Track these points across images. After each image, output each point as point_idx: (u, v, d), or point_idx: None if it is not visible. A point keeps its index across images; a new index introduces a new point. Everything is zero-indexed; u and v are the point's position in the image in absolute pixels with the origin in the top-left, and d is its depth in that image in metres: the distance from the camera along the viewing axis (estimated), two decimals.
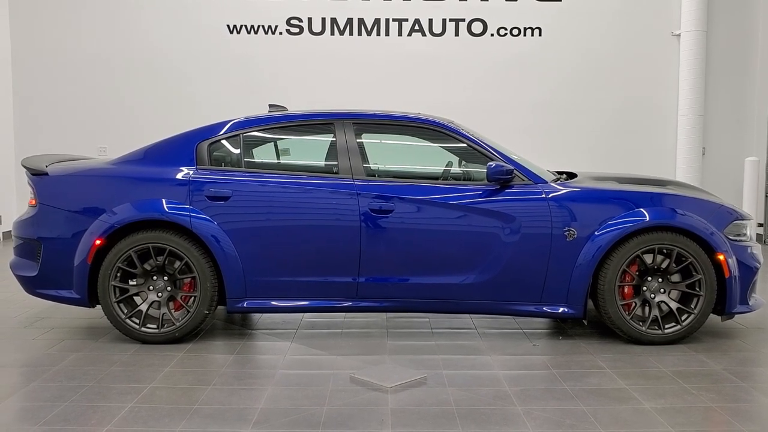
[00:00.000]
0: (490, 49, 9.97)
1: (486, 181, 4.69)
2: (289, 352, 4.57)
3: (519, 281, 4.66)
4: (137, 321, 4.67)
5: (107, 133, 9.85)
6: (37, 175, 4.82)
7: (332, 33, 9.99)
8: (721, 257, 4.60)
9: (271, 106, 5.50)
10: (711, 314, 4.71)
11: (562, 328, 5.19)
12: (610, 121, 10.01)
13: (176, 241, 4.62)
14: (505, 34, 9.97)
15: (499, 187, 4.68)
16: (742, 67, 10.06)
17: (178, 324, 4.66)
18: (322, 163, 5.03)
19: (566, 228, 4.61)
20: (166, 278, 4.73)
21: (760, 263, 4.80)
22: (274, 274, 4.68)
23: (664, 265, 4.66)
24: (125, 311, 4.68)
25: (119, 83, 9.98)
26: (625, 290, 4.67)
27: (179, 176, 4.72)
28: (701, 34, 9.68)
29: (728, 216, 4.77)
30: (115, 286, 4.64)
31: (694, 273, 4.62)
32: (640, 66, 10.01)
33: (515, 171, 4.70)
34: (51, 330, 5.07)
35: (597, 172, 5.96)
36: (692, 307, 4.65)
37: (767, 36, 9.93)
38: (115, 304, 4.65)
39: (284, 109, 5.45)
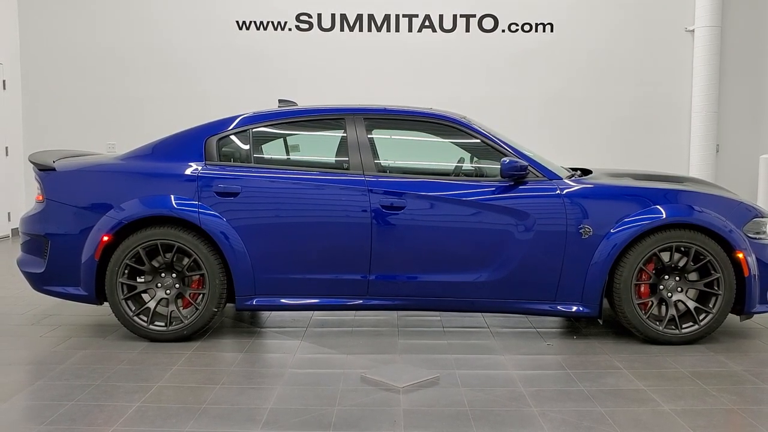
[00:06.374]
0: (501, 45, 9.89)
1: (499, 178, 4.61)
2: (299, 350, 4.51)
3: (533, 279, 4.57)
4: (145, 318, 4.62)
5: (116, 130, 9.83)
6: (44, 170, 4.77)
7: (342, 29, 9.93)
8: (741, 255, 4.50)
9: (280, 101, 5.43)
10: (729, 314, 4.61)
11: (576, 327, 5.09)
12: (623, 118, 9.91)
13: (185, 238, 4.56)
14: (517, 29, 9.89)
15: (513, 183, 4.60)
16: (757, 63, 9.93)
17: (186, 322, 4.61)
18: (332, 158, 4.95)
19: (581, 225, 4.52)
20: (174, 275, 4.67)
21: None
22: (284, 271, 4.61)
23: (681, 264, 4.57)
24: (133, 309, 4.62)
25: (129, 79, 9.96)
26: (642, 289, 4.57)
27: (188, 172, 4.66)
28: (715, 29, 9.56)
29: (747, 213, 4.67)
30: (122, 283, 4.59)
31: (712, 271, 4.52)
32: (653, 62, 9.89)
33: (529, 167, 4.61)
34: (58, 327, 5.02)
35: (612, 168, 5.85)
36: (710, 306, 4.55)
37: None
38: (123, 301, 4.60)
39: (294, 104, 5.38)
